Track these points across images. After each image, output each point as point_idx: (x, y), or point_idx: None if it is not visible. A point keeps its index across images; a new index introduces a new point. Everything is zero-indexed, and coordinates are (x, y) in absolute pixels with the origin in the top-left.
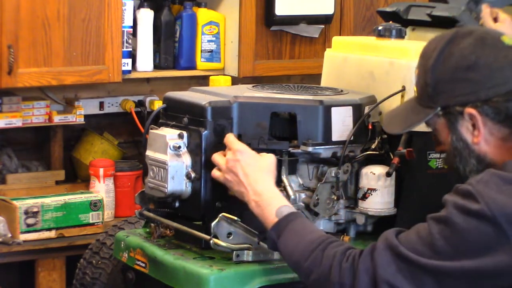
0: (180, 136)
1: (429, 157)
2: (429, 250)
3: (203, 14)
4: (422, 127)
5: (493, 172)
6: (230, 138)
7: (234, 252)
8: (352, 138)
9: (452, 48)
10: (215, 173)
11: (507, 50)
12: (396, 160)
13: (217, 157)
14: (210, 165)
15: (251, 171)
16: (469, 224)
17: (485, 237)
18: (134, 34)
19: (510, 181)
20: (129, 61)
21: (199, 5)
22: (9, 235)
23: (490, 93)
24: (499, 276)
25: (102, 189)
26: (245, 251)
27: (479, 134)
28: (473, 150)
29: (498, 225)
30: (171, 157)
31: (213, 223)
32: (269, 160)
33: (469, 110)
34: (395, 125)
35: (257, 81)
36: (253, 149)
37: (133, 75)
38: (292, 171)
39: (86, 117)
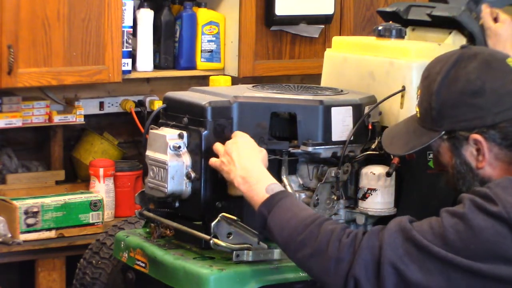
0: (180, 136)
1: (429, 157)
2: (440, 241)
3: (203, 14)
4: None
5: (510, 178)
6: (236, 131)
7: (234, 252)
8: (352, 138)
9: (458, 72)
10: (212, 160)
11: None
12: (396, 160)
13: (217, 145)
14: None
15: (245, 152)
16: (486, 223)
17: (501, 239)
18: (134, 34)
19: None
20: (129, 61)
21: (199, 5)
22: (9, 235)
23: (496, 118)
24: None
25: (102, 189)
26: (245, 251)
27: (483, 160)
28: (477, 174)
29: None
30: (171, 157)
31: (213, 223)
32: (265, 152)
33: (475, 136)
34: (397, 147)
35: (257, 81)
36: None
37: (133, 75)
38: (292, 171)
39: (86, 117)
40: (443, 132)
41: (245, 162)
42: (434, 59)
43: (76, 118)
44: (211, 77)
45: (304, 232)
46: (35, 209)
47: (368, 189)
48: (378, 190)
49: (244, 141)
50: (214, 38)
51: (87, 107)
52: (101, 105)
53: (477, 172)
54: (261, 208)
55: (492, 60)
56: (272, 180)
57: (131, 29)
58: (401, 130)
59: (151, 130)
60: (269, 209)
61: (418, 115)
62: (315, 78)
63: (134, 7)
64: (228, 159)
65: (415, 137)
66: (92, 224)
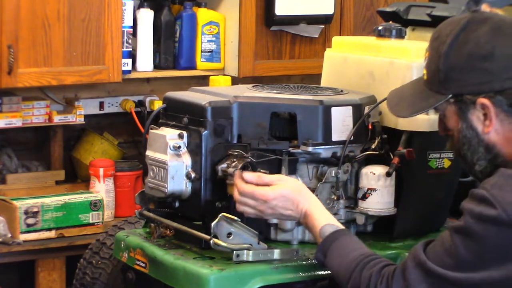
0: (180, 136)
1: (429, 157)
2: (454, 262)
3: (203, 14)
4: (422, 127)
5: (507, 174)
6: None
7: (234, 252)
8: (352, 138)
9: (468, 35)
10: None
11: None
12: (396, 160)
13: (247, 203)
14: (210, 165)
15: (290, 204)
16: (489, 232)
17: (507, 242)
18: (134, 34)
19: None
20: (129, 61)
21: (199, 5)
22: (9, 235)
23: (505, 84)
24: None
25: (102, 189)
26: (245, 251)
27: (490, 124)
28: (482, 139)
29: None
30: (171, 157)
31: (213, 223)
32: (289, 181)
33: (482, 100)
34: (402, 109)
35: (257, 81)
36: (253, 149)
37: (133, 75)
38: (292, 171)
39: (86, 117)
40: (450, 95)
41: (300, 210)
42: (445, 21)
43: (76, 118)
44: (211, 77)
45: (351, 279)
46: (35, 209)
47: (368, 189)
48: (378, 190)
49: (279, 201)
50: (214, 38)
51: (87, 107)
52: (101, 105)
53: (482, 137)
54: (317, 255)
55: (503, 25)
56: (324, 219)
57: (131, 29)
58: (407, 92)
59: (151, 130)
60: (324, 254)
61: (425, 77)
62: (315, 78)
63: (134, 7)
64: (281, 217)
65: (421, 99)
66: (92, 224)
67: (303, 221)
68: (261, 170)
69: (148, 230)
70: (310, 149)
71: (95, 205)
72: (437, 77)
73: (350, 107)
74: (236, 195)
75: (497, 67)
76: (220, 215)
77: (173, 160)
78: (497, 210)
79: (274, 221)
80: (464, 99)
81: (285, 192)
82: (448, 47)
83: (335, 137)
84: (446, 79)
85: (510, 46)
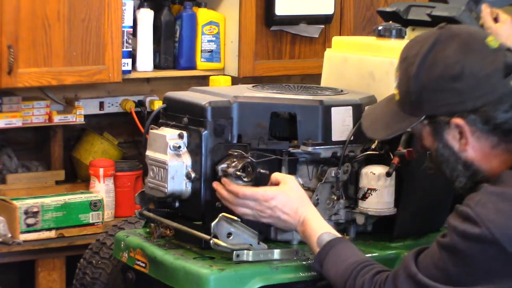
0: (180, 136)
1: None
2: (444, 276)
3: (203, 14)
4: None
5: (490, 191)
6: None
7: (234, 252)
8: (352, 138)
9: (436, 55)
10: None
11: (493, 54)
12: (396, 160)
13: (247, 205)
14: (210, 165)
15: (289, 208)
16: (474, 250)
17: (493, 260)
18: (134, 34)
19: (508, 197)
20: (129, 61)
21: (199, 5)
22: (9, 235)
23: (477, 103)
24: None
25: (102, 189)
26: (245, 251)
27: (466, 143)
28: (460, 157)
29: (502, 248)
30: (171, 157)
31: (213, 223)
32: (293, 185)
33: (456, 120)
34: (377, 131)
35: (257, 81)
36: (253, 149)
37: (133, 75)
38: (292, 171)
39: (86, 117)
40: (424, 117)
41: (299, 217)
42: (412, 40)
43: (76, 118)
44: (211, 77)
45: (346, 287)
46: (35, 209)
47: (368, 189)
48: (378, 190)
49: (280, 200)
50: (214, 38)
51: (87, 107)
52: (101, 105)
53: (460, 155)
54: (315, 265)
55: (471, 41)
56: (321, 228)
57: (131, 29)
58: (381, 112)
59: (151, 130)
60: (321, 264)
61: (397, 97)
62: (315, 78)
63: (134, 7)
64: (277, 221)
65: (395, 121)
66: (92, 224)
67: (300, 229)
68: (261, 170)
69: (148, 230)
70: (310, 149)
71: (95, 205)
72: (408, 99)
73: (350, 107)
74: (231, 197)
75: (467, 87)
76: (220, 215)
77: (173, 160)
78: (480, 228)
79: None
80: (438, 120)
81: (286, 195)
82: (417, 69)
83: (335, 137)
84: (417, 101)
85: (479, 63)
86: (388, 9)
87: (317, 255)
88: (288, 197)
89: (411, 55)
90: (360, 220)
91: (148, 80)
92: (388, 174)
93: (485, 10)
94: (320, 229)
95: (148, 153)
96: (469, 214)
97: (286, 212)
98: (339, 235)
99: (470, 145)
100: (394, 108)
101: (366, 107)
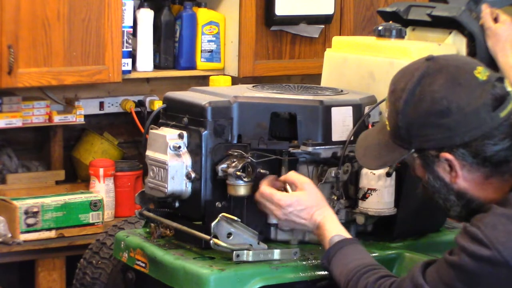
0: (180, 136)
1: None
2: None
3: (203, 14)
4: None
5: (499, 212)
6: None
7: (234, 252)
8: (352, 138)
9: (423, 90)
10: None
11: (481, 87)
12: None
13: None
14: (210, 165)
15: (305, 214)
16: (484, 271)
17: (502, 282)
18: (134, 34)
19: None
20: (129, 61)
21: (199, 5)
22: (9, 235)
23: (465, 138)
24: None
25: (102, 189)
26: (245, 251)
27: (456, 175)
28: (452, 188)
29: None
30: (171, 157)
31: (213, 223)
32: (309, 190)
33: (445, 155)
34: (369, 161)
35: (257, 81)
36: (253, 149)
37: (133, 75)
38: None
39: (86, 117)
40: (413, 150)
41: (314, 221)
42: (399, 72)
43: (76, 118)
44: (211, 77)
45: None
46: (35, 209)
47: (368, 189)
48: (378, 190)
49: (296, 206)
50: (214, 38)
51: (87, 107)
52: (101, 105)
53: (451, 186)
54: (323, 261)
55: (459, 74)
56: (335, 230)
57: (131, 29)
58: (374, 141)
59: (151, 130)
60: (329, 261)
61: (388, 128)
62: (315, 78)
63: (134, 7)
64: (295, 225)
65: (386, 152)
66: (92, 224)
67: (315, 232)
68: (261, 170)
69: (148, 230)
70: (310, 149)
71: (95, 205)
72: (398, 132)
73: (350, 107)
74: (257, 195)
75: (455, 122)
76: (220, 215)
77: (173, 160)
78: (491, 251)
79: (274, 221)
80: (427, 154)
81: (301, 201)
82: (404, 104)
83: (335, 137)
84: (406, 135)
85: (467, 98)
86: (388, 9)
87: (326, 252)
88: (304, 204)
89: (399, 88)
90: (360, 220)
91: (148, 80)
92: (388, 174)
93: (485, 10)
94: (333, 231)
95: (148, 153)
96: (479, 235)
97: (303, 217)
98: (349, 236)
99: (461, 177)
100: (386, 138)
101: (360, 134)
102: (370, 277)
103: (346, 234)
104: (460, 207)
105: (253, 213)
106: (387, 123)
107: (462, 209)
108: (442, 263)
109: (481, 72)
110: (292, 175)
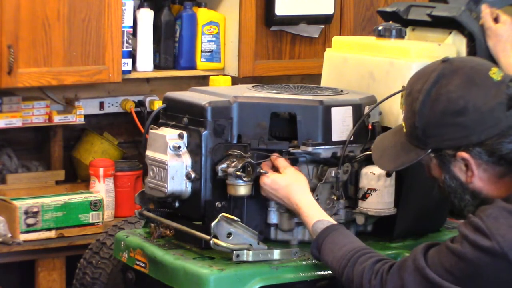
0: (180, 136)
1: None
2: (451, 277)
3: (203, 14)
4: None
5: (502, 206)
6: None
7: (234, 252)
8: (352, 138)
9: (439, 90)
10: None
11: (496, 87)
12: None
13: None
14: (210, 165)
15: (282, 196)
16: (482, 261)
17: (501, 273)
18: (134, 34)
19: None
20: (129, 61)
21: (199, 5)
22: (9, 235)
23: (482, 136)
24: None
25: (102, 189)
26: (245, 251)
27: (472, 175)
28: (467, 187)
29: (510, 262)
30: (171, 157)
31: (213, 223)
32: (283, 175)
33: (461, 154)
34: (386, 162)
35: (257, 81)
36: (253, 149)
37: (133, 75)
38: None
39: (86, 117)
40: (430, 150)
41: (292, 200)
42: (415, 74)
43: (76, 118)
44: (211, 77)
45: (343, 274)
46: (35, 209)
47: (368, 189)
48: (378, 190)
49: (275, 184)
50: (214, 38)
51: (87, 107)
52: (101, 105)
53: (467, 186)
54: (313, 251)
55: (474, 75)
56: (316, 215)
57: (131, 29)
58: (390, 143)
59: (151, 130)
60: (318, 250)
61: (405, 130)
62: (315, 78)
63: (134, 7)
64: (278, 199)
65: (403, 153)
66: (92, 224)
67: (298, 215)
68: (261, 170)
69: (148, 230)
70: (310, 149)
71: (95, 205)
72: (415, 133)
73: (350, 107)
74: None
75: (472, 121)
76: (220, 215)
77: (173, 160)
78: (491, 242)
79: (274, 221)
80: (444, 153)
81: (276, 182)
82: (421, 105)
83: (335, 137)
84: (423, 136)
85: (482, 97)
86: (388, 9)
87: (313, 242)
88: (278, 185)
89: (415, 90)
90: (360, 220)
91: (148, 80)
92: (388, 174)
93: (485, 11)
94: (313, 217)
95: (148, 153)
96: (481, 226)
97: (279, 196)
98: (332, 221)
99: (477, 177)
100: (402, 140)
101: (377, 138)
102: (365, 262)
103: (327, 218)
104: (474, 207)
105: (253, 213)
106: (403, 124)
107: (476, 209)
108: (443, 249)
109: (496, 73)
110: (278, 161)
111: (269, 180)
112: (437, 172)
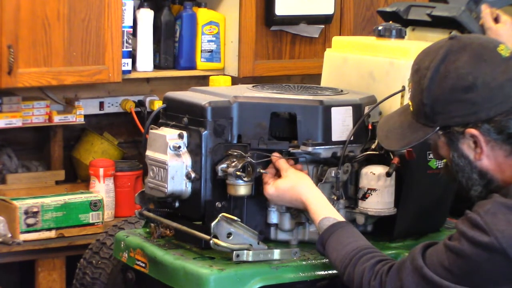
0: (180, 136)
1: (429, 157)
2: (449, 276)
3: (203, 14)
4: None
5: (500, 201)
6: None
7: (234, 252)
8: (352, 138)
9: (448, 67)
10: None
11: (505, 63)
12: (396, 160)
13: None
14: (210, 165)
15: (289, 196)
16: (481, 257)
17: (499, 268)
18: (134, 34)
19: None
20: (129, 61)
21: (199, 5)
22: (9, 235)
23: (491, 112)
24: None
25: (102, 189)
26: (245, 251)
27: (481, 152)
28: (475, 166)
29: (508, 258)
30: (171, 157)
31: (213, 223)
32: (291, 175)
33: (470, 130)
34: (392, 142)
35: (257, 81)
36: (253, 149)
37: (133, 75)
38: None
39: (86, 117)
40: (438, 128)
41: (302, 200)
42: (422, 52)
43: (76, 118)
44: (211, 77)
45: (345, 274)
46: (35, 209)
47: (368, 189)
48: (378, 190)
49: (281, 192)
50: (214, 38)
51: (87, 107)
52: (101, 105)
53: (475, 164)
54: (318, 247)
55: (483, 51)
56: (323, 211)
57: (131, 29)
58: (396, 122)
59: (151, 130)
60: (323, 246)
61: (411, 108)
62: (315, 78)
63: (134, 7)
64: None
65: (410, 132)
66: (92, 224)
67: (306, 213)
68: (261, 171)
69: (148, 230)
70: (310, 149)
71: (95, 205)
72: (422, 111)
73: (350, 107)
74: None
75: (481, 97)
76: (220, 215)
77: (173, 160)
78: (489, 237)
79: (274, 221)
80: (452, 130)
81: (280, 191)
82: (429, 81)
83: (335, 137)
84: (432, 113)
85: (491, 73)
86: (388, 9)
87: (318, 239)
88: (281, 189)
89: (423, 67)
90: (360, 220)
91: (148, 80)
92: (388, 174)
93: (485, 11)
94: (320, 214)
95: (148, 153)
96: (479, 222)
97: (288, 200)
98: (341, 218)
99: (485, 154)
100: (409, 119)
101: (381, 119)
102: (366, 263)
103: (334, 215)
104: (481, 186)
105: (253, 213)
106: (410, 103)
107: (483, 189)
108: (441, 248)
109: (504, 49)
110: (279, 163)
111: (273, 189)
112: (445, 151)
